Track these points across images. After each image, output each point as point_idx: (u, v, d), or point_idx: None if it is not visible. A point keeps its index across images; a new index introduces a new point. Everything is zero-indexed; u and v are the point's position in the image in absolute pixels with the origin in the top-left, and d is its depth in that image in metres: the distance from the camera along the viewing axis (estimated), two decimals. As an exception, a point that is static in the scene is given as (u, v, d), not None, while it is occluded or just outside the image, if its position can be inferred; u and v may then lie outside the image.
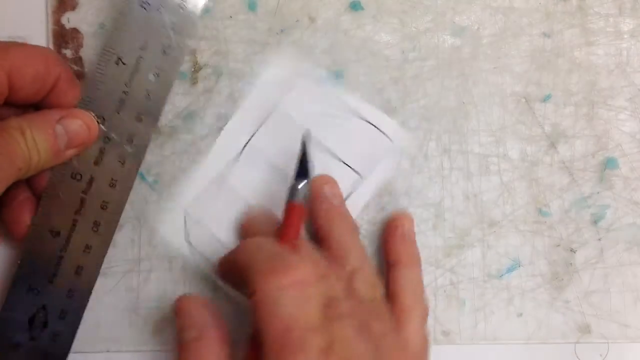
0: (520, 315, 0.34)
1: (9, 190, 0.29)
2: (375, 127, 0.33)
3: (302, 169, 0.30)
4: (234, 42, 0.32)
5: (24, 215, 0.30)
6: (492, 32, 0.34)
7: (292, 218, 0.29)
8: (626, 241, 0.35)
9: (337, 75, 0.33)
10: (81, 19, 0.32)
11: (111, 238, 0.31)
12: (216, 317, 0.29)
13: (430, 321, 0.34)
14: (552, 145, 0.34)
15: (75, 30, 0.32)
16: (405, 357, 0.30)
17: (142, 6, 0.30)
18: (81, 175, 0.30)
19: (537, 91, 0.34)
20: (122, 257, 0.33)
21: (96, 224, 0.30)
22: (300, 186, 0.30)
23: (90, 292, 0.31)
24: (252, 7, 0.32)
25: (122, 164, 0.30)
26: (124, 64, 0.30)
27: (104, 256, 0.31)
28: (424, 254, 0.34)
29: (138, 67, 0.30)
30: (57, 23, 0.32)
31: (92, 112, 0.30)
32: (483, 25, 0.34)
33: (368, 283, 0.30)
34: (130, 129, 0.30)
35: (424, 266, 0.34)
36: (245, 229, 0.32)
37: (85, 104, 0.30)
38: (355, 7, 0.33)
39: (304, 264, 0.27)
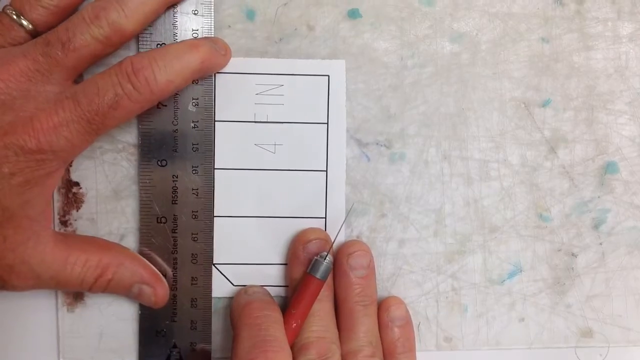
0: (522, 320, 0.34)
1: None
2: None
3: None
4: (233, 52, 0.32)
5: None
6: (490, 38, 0.34)
7: (306, 296, 0.30)
8: (627, 245, 0.35)
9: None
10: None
11: (211, 265, 0.32)
12: None
13: (432, 327, 0.34)
14: (552, 150, 0.34)
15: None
16: None
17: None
18: (165, 217, 0.31)
19: (536, 96, 0.34)
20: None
21: (193, 256, 0.32)
22: (325, 259, 0.30)
23: (210, 319, 0.32)
24: (250, 16, 0.32)
25: (197, 195, 0.31)
26: (164, 105, 0.31)
27: (210, 283, 0.32)
28: (425, 261, 0.34)
29: (177, 104, 0.31)
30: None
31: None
32: (481, 31, 0.34)
33: None
34: (191, 161, 0.31)
35: (425, 272, 0.34)
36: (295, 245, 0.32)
37: (144, 153, 0.31)
38: (353, 14, 0.33)
39: None
